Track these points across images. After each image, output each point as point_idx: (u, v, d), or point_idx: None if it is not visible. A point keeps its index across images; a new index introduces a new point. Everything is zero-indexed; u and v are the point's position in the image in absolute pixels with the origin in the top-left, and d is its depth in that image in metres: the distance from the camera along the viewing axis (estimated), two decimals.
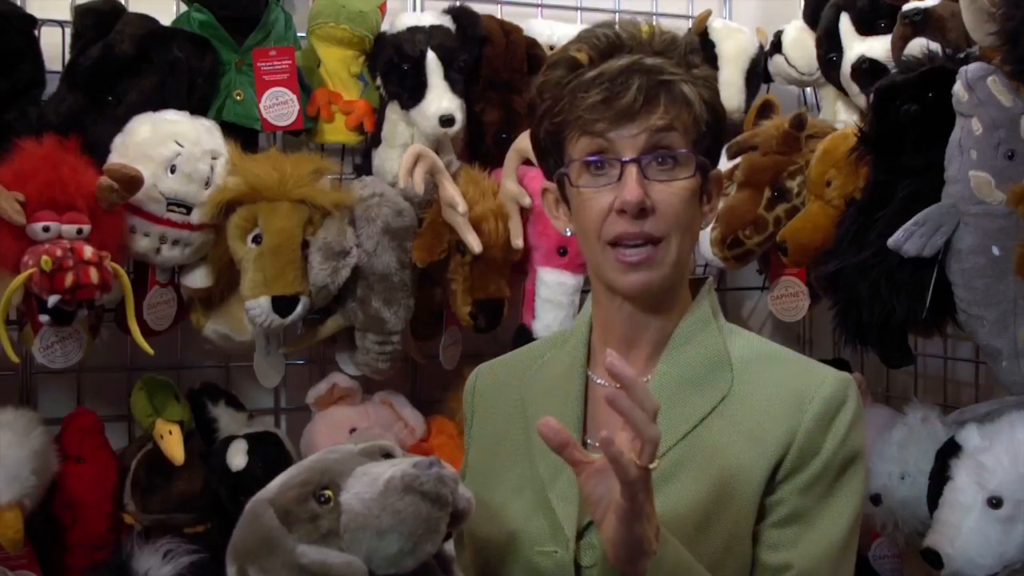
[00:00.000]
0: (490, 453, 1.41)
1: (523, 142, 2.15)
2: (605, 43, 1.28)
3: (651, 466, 1.07)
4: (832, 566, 1.23)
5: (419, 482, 1.17)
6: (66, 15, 2.03)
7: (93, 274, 1.73)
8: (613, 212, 1.26)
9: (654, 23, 1.31)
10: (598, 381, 1.35)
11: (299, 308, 1.96)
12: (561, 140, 1.30)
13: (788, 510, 1.23)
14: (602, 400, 1.27)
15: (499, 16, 2.36)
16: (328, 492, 1.20)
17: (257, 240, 1.95)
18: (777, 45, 2.53)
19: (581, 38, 1.31)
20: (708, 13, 2.52)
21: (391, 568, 1.18)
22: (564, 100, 1.28)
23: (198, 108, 2.00)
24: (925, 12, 1.98)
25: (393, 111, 2.18)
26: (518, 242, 2.13)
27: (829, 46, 2.39)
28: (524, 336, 2.15)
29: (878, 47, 2.25)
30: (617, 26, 1.30)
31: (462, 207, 2.03)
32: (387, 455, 1.27)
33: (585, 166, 1.28)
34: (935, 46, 1.96)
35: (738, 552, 1.23)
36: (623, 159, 1.25)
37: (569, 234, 1.35)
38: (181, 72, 1.98)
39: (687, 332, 1.33)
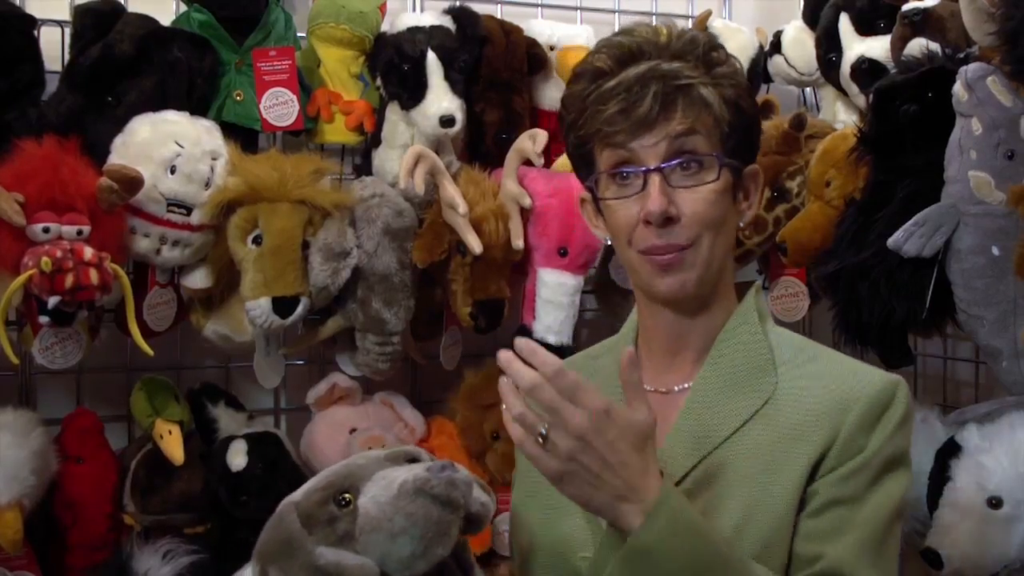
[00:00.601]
0: None
1: (523, 142, 2.15)
2: (623, 51, 1.28)
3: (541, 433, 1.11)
4: (865, 561, 1.20)
5: (430, 485, 1.18)
6: (66, 15, 2.03)
7: (93, 275, 1.73)
8: (641, 223, 1.26)
9: (672, 25, 1.31)
10: (646, 387, 1.34)
11: (299, 309, 1.96)
12: (588, 152, 1.31)
13: (824, 500, 1.22)
14: None
15: (499, 16, 2.36)
16: (348, 495, 1.22)
17: (257, 241, 1.95)
18: (777, 45, 2.53)
19: (600, 47, 1.31)
20: (708, 13, 2.52)
21: (404, 571, 1.19)
22: (586, 113, 1.28)
23: (198, 108, 2.00)
24: (925, 12, 1.98)
25: (393, 111, 2.18)
26: (518, 243, 2.13)
27: (829, 46, 2.39)
28: (524, 337, 2.15)
29: (878, 47, 2.25)
30: (635, 32, 1.30)
31: (462, 208, 2.03)
32: (412, 460, 1.28)
33: (611, 177, 1.29)
34: (935, 46, 1.96)
35: (778, 551, 1.22)
36: (645, 169, 1.25)
37: (608, 242, 1.36)
38: (181, 72, 1.97)
39: (731, 335, 1.33)
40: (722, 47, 1.32)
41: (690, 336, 1.34)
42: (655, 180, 1.24)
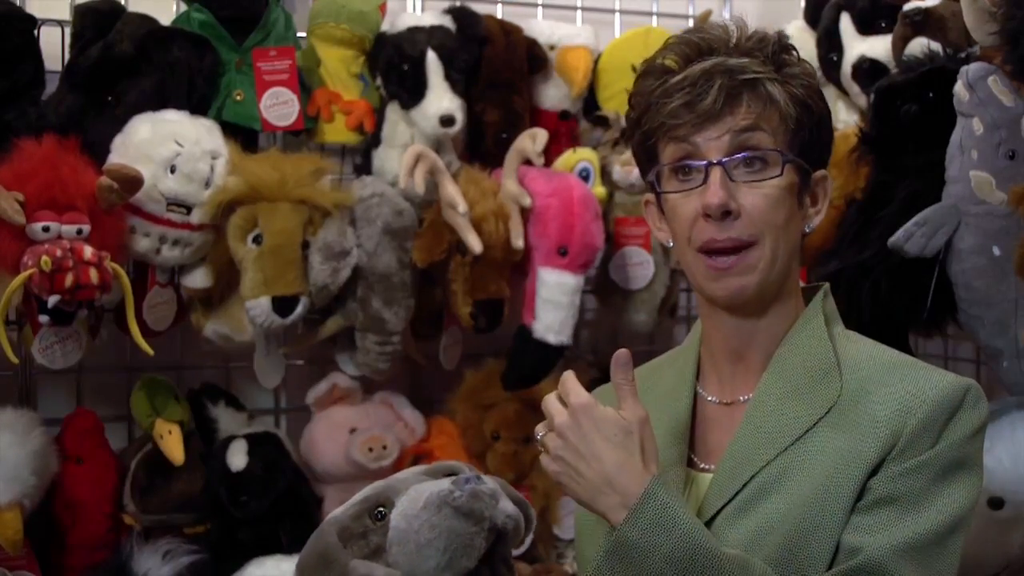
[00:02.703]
0: None
1: (523, 142, 2.15)
2: (691, 48, 1.26)
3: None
4: (909, 564, 1.14)
5: (452, 497, 1.19)
6: (66, 15, 2.03)
7: (93, 274, 1.73)
8: (701, 218, 1.23)
9: (744, 25, 1.28)
10: (709, 398, 1.34)
11: (299, 308, 1.96)
12: (652, 149, 1.29)
13: (876, 496, 1.18)
14: (709, 416, 1.32)
15: (499, 16, 2.36)
16: (383, 509, 1.24)
17: (257, 240, 1.95)
18: None
19: (668, 45, 1.29)
20: (708, 13, 2.52)
21: None
22: (651, 108, 1.26)
23: (198, 108, 1.99)
24: (926, 12, 1.98)
25: (393, 111, 2.18)
26: (518, 242, 2.13)
27: (829, 46, 2.39)
28: (524, 336, 2.15)
29: (879, 47, 2.24)
30: (705, 30, 1.28)
31: (462, 207, 2.03)
32: (451, 474, 1.28)
33: (672, 172, 1.27)
34: (936, 46, 1.96)
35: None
36: (707, 162, 1.23)
37: (671, 245, 1.32)
38: (181, 72, 1.97)
39: (794, 341, 1.29)
40: (794, 48, 1.30)
41: (752, 343, 1.30)
42: (716, 173, 1.22)
